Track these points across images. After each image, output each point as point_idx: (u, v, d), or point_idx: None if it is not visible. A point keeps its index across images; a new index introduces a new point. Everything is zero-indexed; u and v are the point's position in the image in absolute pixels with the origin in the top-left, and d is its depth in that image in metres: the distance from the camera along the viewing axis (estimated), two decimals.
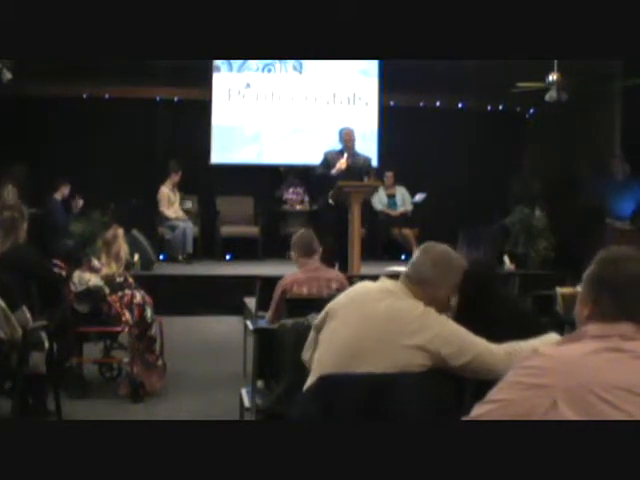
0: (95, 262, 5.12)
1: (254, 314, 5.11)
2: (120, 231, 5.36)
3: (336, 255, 7.43)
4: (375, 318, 2.41)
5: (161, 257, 9.36)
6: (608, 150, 9.29)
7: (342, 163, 7.39)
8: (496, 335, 2.47)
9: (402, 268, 2.74)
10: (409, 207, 9.98)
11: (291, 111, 10.11)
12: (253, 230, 9.87)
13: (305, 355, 2.66)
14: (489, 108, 10.67)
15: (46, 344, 4.12)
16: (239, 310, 6.18)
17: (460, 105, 10.54)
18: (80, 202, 9.12)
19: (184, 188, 9.70)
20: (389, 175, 9.94)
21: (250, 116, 10.03)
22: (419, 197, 10.02)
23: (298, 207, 10.07)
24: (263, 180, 10.30)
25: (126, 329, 4.91)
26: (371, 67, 10.18)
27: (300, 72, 10.15)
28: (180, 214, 9.51)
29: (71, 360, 4.89)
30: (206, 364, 5.80)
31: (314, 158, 8.48)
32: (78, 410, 4.46)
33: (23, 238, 4.67)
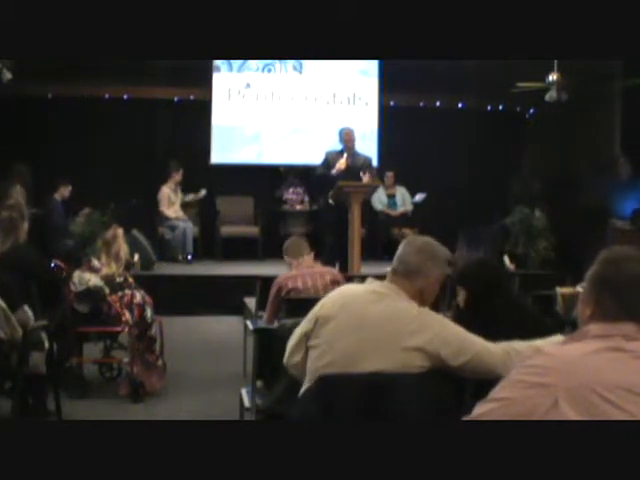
0: (95, 262, 5.12)
1: (254, 314, 5.11)
2: (120, 231, 5.36)
3: (336, 255, 7.44)
4: (372, 321, 2.39)
5: (161, 257, 9.35)
6: (608, 150, 9.29)
7: (341, 163, 7.40)
8: (500, 334, 2.46)
9: None
10: (409, 207, 9.98)
11: (291, 111, 10.11)
12: (253, 230, 9.87)
13: (291, 360, 2.59)
14: (489, 108, 10.67)
15: (46, 344, 4.12)
16: (239, 310, 6.18)
17: (460, 105, 10.54)
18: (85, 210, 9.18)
19: (184, 188, 9.70)
20: (389, 175, 9.94)
21: (250, 116, 10.03)
22: (419, 197, 10.02)
23: (298, 207, 10.07)
24: (263, 180, 10.29)
25: (126, 329, 4.92)
26: (371, 67, 10.18)
27: (300, 72, 10.15)
28: (180, 214, 9.51)
29: (71, 360, 4.89)
30: (206, 364, 5.80)
31: (314, 158, 8.49)
32: (78, 410, 4.46)
33: (24, 238, 4.67)
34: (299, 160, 9.99)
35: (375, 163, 9.64)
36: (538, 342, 2.36)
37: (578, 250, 7.65)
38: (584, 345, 1.63)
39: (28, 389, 4.03)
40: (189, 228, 9.35)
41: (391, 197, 9.97)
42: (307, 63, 10.10)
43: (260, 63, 10.00)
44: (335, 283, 4.50)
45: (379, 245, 9.70)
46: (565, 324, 3.33)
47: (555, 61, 8.26)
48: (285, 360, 2.62)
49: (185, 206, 9.73)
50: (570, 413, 1.52)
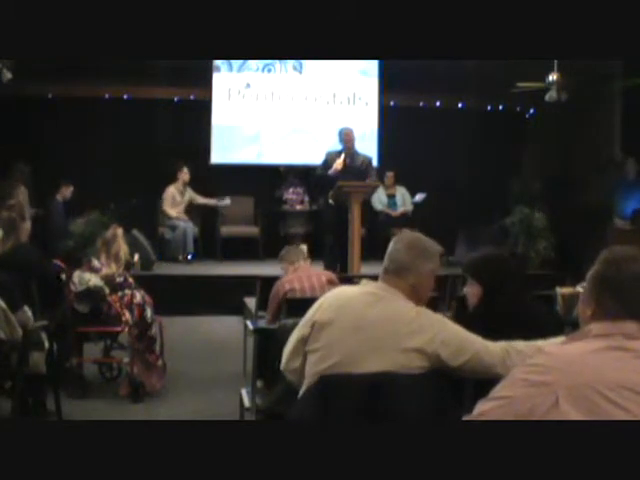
0: (95, 262, 5.12)
1: (254, 314, 5.11)
2: (119, 231, 5.36)
3: (336, 255, 7.44)
4: (371, 323, 2.38)
5: (161, 257, 9.36)
6: (608, 150, 9.29)
7: (338, 164, 7.39)
8: (514, 333, 2.44)
9: None
10: (409, 207, 9.97)
11: (291, 111, 10.11)
12: (253, 230, 9.87)
13: (288, 365, 2.56)
14: (489, 108, 10.66)
15: (46, 344, 4.12)
16: (239, 310, 6.18)
17: (460, 105, 10.54)
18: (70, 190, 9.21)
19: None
20: (389, 175, 9.94)
21: (250, 116, 10.02)
22: (419, 197, 10.02)
23: (298, 207, 10.06)
24: (263, 180, 10.29)
25: (126, 329, 4.92)
26: (371, 67, 10.18)
27: (300, 72, 10.15)
28: (182, 214, 9.52)
29: (71, 360, 4.89)
30: (206, 364, 5.80)
31: (314, 158, 8.49)
32: (78, 410, 4.46)
33: (25, 238, 4.67)
34: (299, 160, 9.99)
35: (375, 163, 9.63)
36: (539, 342, 2.36)
37: (578, 250, 7.66)
38: (585, 344, 1.63)
39: (28, 389, 4.02)
40: (190, 228, 9.35)
41: (391, 197, 9.97)
42: (307, 63, 10.10)
43: (260, 63, 10.00)
44: (331, 283, 4.52)
45: (379, 245, 9.68)
46: (565, 324, 3.31)
47: (555, 61, 8.26)
48: (283, 366, 2.60)
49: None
50: (571, 412, 1.52)
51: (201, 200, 9.70)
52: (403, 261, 2.49)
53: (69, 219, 8.72)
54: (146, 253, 8.40)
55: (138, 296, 5.02)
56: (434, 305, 3.28)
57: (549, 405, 1.54)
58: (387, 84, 10.04)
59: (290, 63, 10.08)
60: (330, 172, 7.41)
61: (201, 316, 7.61)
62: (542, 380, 1.57)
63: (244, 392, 3.63)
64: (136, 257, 7.80)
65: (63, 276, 4.92)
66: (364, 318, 2.40)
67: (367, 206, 8.43)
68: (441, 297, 4.53)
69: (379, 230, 9.68)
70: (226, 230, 9.73)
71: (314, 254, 9.10)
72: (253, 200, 10.16)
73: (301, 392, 2.45)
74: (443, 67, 8.97)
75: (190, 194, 9.65)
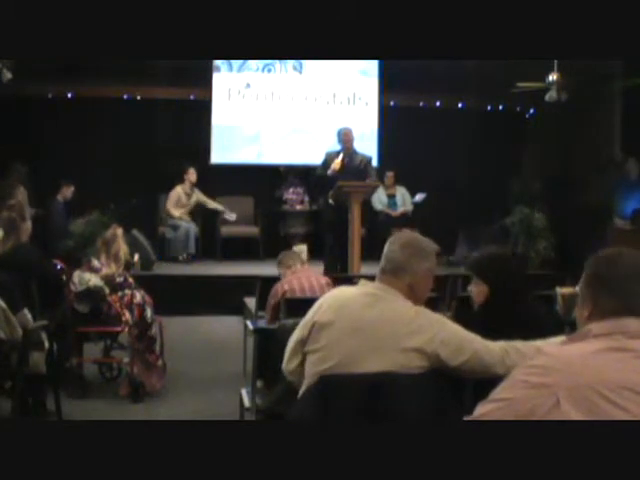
0: (95, 262, 5.12)
1: (254, 314, 5.12)
2: (119, 231, 5.36)
3: (336, 255, 7.43)
4: (370, 324, 2.38)
5: (161, 257, 9.36)
6: (608, 150, 9.29)
7: (336, 163, 7.39)
8: (519, 335, 2.44)
9: None
10: (409, 207, 9.97)
11: (291, 111, 10.11)
12: (253, 230, 9.87)
13: (288, 366, 2.58)
14: (489, 108, 10.66)
15: (46, 344, 4.12)
16: (239, 310, 6.19)
17: (460, 105, 10.54)
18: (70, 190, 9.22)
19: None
20: (389, 175, 9.94)
21: (250, 116, 10.02)
22: (419, 197, 10.02)
23: (298, 207, 10.06)
24: (263, 180, 10.29)
25: (126, 329, 4.92)
26: (371, 67, 10.18)
27: (300, 72, 10.15)
28: (185, 215, 9.52)
29: (71, 360, 4.89)
30: (206, 364, 5.80)
31: (314, 158, 8.49)
32: (78, 410, 4.46)
33: (25, 238, 4.67)
34: (299, 160, 9.99)
35: (375, 163, 9.63)
36: (539, 342, 2.36)
37: (578, 250, 7.64)
38: (585, 345, 1.63)
39: (28, 389, 4.03)
40: (192, 228, 9.36)
41: (391, 197, 9.97)
42: (307, 63, 10.10)
43: (260, 63, 10.00)
44: (329, 285, 4.53)
45: (379, 245, 9.64)
46: (565, 324, 3.31)
47: (555, 61, 8.26)
48: (283, 367, 2.61)
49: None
50: (572, 413, 1.52)
51: (212, 205, 9.69)
52: (399, 261, 2.49)
53: (70, 219, 8.72)
54: (146, 253, 8.40)
55: (138, 296, 5.02)
56: (434, 305, 3.28)
57: (549, 406, 1.54)
58: (387, 84, 10.04)
59: (290, 63, 10.08)
60: (329, 172, 7.41)
61: (201, 316, 7.61)
62: (542, 382, 1.57)
63: (244, 392, 3.63)
64: (136, 257, 7.80)
65: (63, 277, 4.92)
66: (363, 319, 2.40)
67: (367, 206, 8.42)
68: (441, 297, 4.52)
69: (379, 230, 9.67)
70: (226, 230, 9.73)
71: (314, 254, 9.14)
72: (253, 200, 10.16)
73: (301, 392, 2.46)
74: (443, 67, 8.97)
75: (198, 196, 9.64)
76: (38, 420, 4.05)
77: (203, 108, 9.84)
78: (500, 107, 10.66)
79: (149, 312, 5.01)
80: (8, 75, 7.87)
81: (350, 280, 4.85)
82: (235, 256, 9.65)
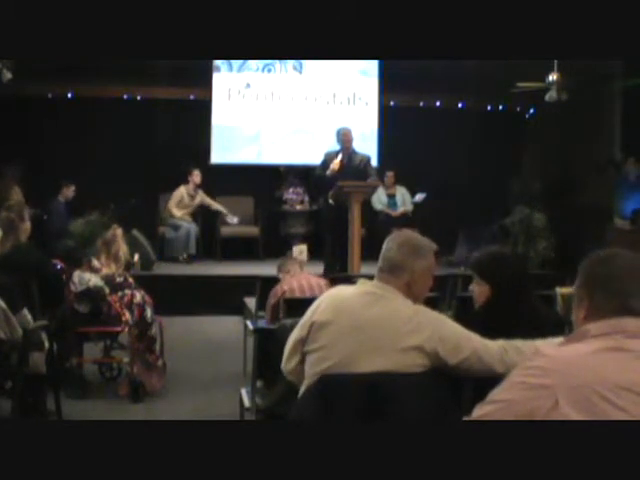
0: (95, 262, 5.12)
1: (254, 314, 5.12)
2: (119, 231, 5.36)
3: (336, 255, 7.43)
4: (370, 323, 2.38)
5: (161, 257, 9.37)
6: (608, 150, 9.30)
7: (335, 164, 7.38)
8: (521, 335, 2.43)
9: None
10: (409, 207, 9.97)
11: (291, 111, 10.11)
12: (253, 230, 9.87)
13: (286, 366, 2.59)
14: (489, 108, 10.66)
15: (46, 344, 4.12)
16: (239, 310, 6.19)
17: (460, 105, 10.54)
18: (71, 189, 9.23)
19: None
20: (389, 175, 9.94)
21: (250, 116, 10.02)
22: (419, 197, 10.02)
23: (298, 207, 10.06)
24: (263, 180, 10.29)
25: (126, 329, 4.92)
26: (371, 67, 10.18)
27: (300, 72, 10.15)
28: (186, 216, 9.52)
29: (71, 360, 4.89)
30: (206, 364, 5.80)
31: (314, 158, 8.48)
32: (78, 410, 4.46)
33: (25, 238, 4.66)
34: (299, 160, 9.99)
35: (375, 163, 9.63)
36: (539, 342, 2.36)
37: (578, 250, 7.65)
38: (584, 345, 1.63)
39: (28, 389, 4.02)
40: (192, 229, 9.36)
41: (391, 197, 9.97)
42: (307, 63, 10.10)
43: (260, 63, 10.00)
44: (328, 287, 4.53)
45: (379, 245, 9.63)
46: (565, 324, 3.31)
47: (555, 61, 8.26)
48: (282, 366, 2.62)
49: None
50: (571, 414, 1.52)
51: (215, 206, 9.70)
52: (396, 260, 2.50)
53: (71, 219, 8.72)
54: (146, 253, 8.41)
55: (138, 296, 5.02)
56: (434, 305, 3.28)
57: (549, 407, 1.54)
58: (387, 84, 10.03)
59: (290, 63, 10.08)
60: (328, 173, 7.41)
61: (201, 316, 7.61)
62: (541, 383, 1.57)
63: (244, 392, 3.63)
64: (136, 257, 7.81)
65: (63, 277, 4.92)
66: (362, 318, 2.40)
67: (367, 206, 8.42)
68: (441, 297, 4.52)
69: (379, 230, 9.67)
70: (226, 230, 9.73)
71: (314, 254, 9.15)
72: (253, 200, 10.16)
73: (301, 392, 2.46)
74: (443, 67, 8.97)
75: (202, 198, 9.65)
76: (38, 420, 4.05)
77: (203, 108, 9.84)
78: (500, 107, 10.66)
79: (149, 312, 5.01)
80: (8, 75, 7.88)
81: (350, 280, 4.85)
82: (235, 256, 9.65)
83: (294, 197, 10.08)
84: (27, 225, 4.69)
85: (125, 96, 9.91)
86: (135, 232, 8.31)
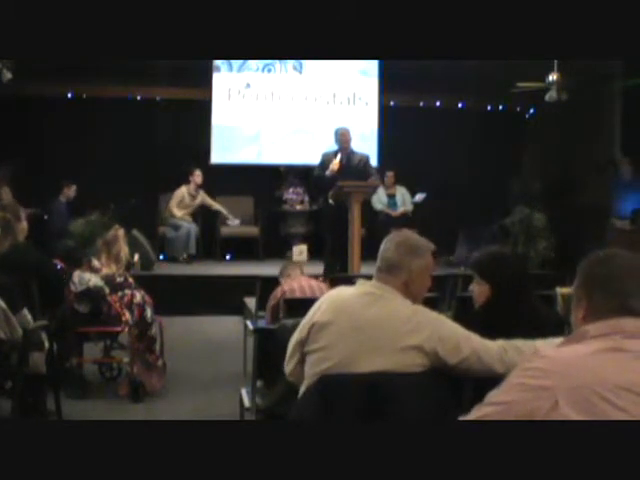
0: (95, 262, 5.12)
1: (254, 314, 5.11)
2: (121, 232, 5.36)
3: (336, 255, 7.43)
4: (369, 323, 2.39)
5: (161, 257, 9.38)
6: (608, 150, 9.30)
7: (335, 164, 7.38)
8: (514, 333, 2.43)
9: None
10: (409, 207, 9.97)
11: (291, 111, 10.11)
12: (253, 230, 9.87)
13: (286, 367, 2.61)
14: (489, 108, 10.67)
15: (46, 344, 4.12)
16: (239, 310, 6.18)
17: (460, 105, 10.54)
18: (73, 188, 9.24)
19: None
20: (389, 175, 9.94)
21: (250, 116, 10.03)
22: (419, 197, 10.02)
23: (298, 207, 10.07)
24: (263, 180, 10.29)
25: (126, 329, 4.92)
26: (371, 67, 10.18)
27: (300, 72, 10.15)
28: (187, 217, 9.53)
29: (71, 360, 4.89)
30: (206, 364, 5.80)
31: (314, 158, 8.47)
32: (78, 410, 4.46)
33: (22, 238, 4.66)
34: (299, 160, 9.99)
35: (375, 163, 9.63)
36: (539, 342, 2.36)
37: (578, 250, 7.65)
38: (583, 346, 1.63)
39: (28, 389, 4.02)
40: (193, 229, 9.36)
41: (391, 197, 9.97)
42: (307, 63, 10.10)
43: (260, 63, 10.00)
44: (328, 289, 4.53)
45: (379, 245, 9.65)
46: (565, 324, 3.31)
47: (555, 61, 8.26)
48: (284, 367, 2.63)
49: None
50: (571, 414, 1.52)
51: (216, 207, 9.70)
52: (393, 259, 2.51)
53: (72, 219, 8.72)
54: (146, 253, 8.41)
55: (138, 296, 5.02)
56: (434, 305, 3.28)
57: (548, 408, 1.54)
58: (387, 84, 10.04)
59: (290, 63, 10.08)
60: (327, 173, 7.40)
61: (201, 316, 7.61)
62: (540, 384, 1.57)
63: (244, 392, 3.63)
64: (136, 257, 7.81)
65: (64, 276, 4.92)
66: (362, 318, 2.41)
67: (367, 206, 8.42)
68: (441, 297, 4.52)
69: (379, 230, 9.66)
70: (226, 230, 9.73)
71: (314, 254, 9.15)
72: (253, 200, 10.16)
73: (301, 392, 2.46)
74: (443, 67, 8.97)
75: (203, 198, 9.65)
76: (38, 420, 4.04)
77: (203, 108, 9.84)
78: (500, 107, 10.67)
79: (149, 312, 5.01)
80: (8, 75, 7.88)
81: (350, 280, 4.85)
82: (235, 256, 9.66)
83: (294, 197, 10.08)
84: (24, 224, 4.68)
85: (125, 96, 9.91)
86: (135, 232, 8.31)
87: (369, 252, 7.69)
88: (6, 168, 8.72)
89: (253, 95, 10.04)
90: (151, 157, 9.80)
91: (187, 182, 9.54)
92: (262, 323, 4.63)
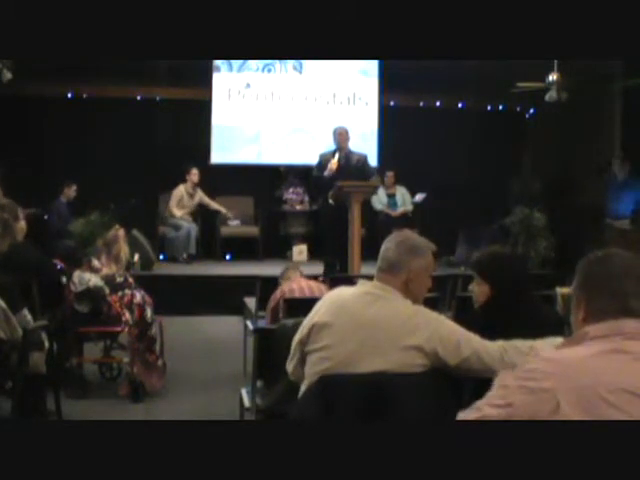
0: (95, 262, 5.11)
1: (254, 314, 5.11)
2: (121, 232, 5.36)
3: (336, 255, 7.43)
4: (370, 323, 2.39)
5: (161, 257, 9.38)
6: (608, 150, 9.30)
7: (333, 164, 7.37)
8: (514, 333, 2.43)
9: None
10: (409, 207, 9.98)
11: (291, 111, 10.11)
12: (253, 230, 9.87)
13: (288, 366, 2.62)
14: (489, 108, 10.67)
15: (46, 344, 4.11)
16: (239, 310, 6.18)
17: (460, 105, 10.54)
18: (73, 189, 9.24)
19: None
20: (389, 175, 9.94)
21: (250, 116, 10.03)
22: (419, 197, 10.02)
23: (298, 207, 10.07)
24: (263, 180, 10.30)
25: (126, 329, 4.91)
26: (371, 67, 10.18)
27: (300, 72, 10.15)
28: (187, 216, 9.53)
29: (71, 360, 4.89)
30: (206, 364, 5.80)
31: (314, 158, 8.47)
32: (78, 410, 4.46)
33: (21, 237, 4.65)
34: (299, 160, 9.99)
35: (375, 163, 9.64)
36: (539, 342, 2.36)
37: (578, 250, 7.64)
38: (583, 348, 1.62)
39: (28, 389, 4.02)
40: (193, 229, 9.36)
41: (391, 197, 9.97)
42: (307, 63, 10.10)
43: (260, 63, 10.00)
44: (327, 289, 4.53)
45: (379, 245, 9.63)
46: (565, 324, 3.31)
47: (555, 61, 8.26)
48: (287, 366, 2.64)
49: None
50: (572, 417, 1.51)
51: (214, 206, 9.70)
52: (393, 259, 2.51)
53: (72, 219, 8.72)
54: (146, 253, 8.41)
55: (138, 296, 5.02)
56: (434, 305, 3.28)
57: (550, 411, 1.54)
58: (387, 84, 10.04)
59: (290, 63, 10.08)
60: (325, 173, 7.40)
61: (201, 316, 7.61)
62: (541, 386, 1.56)
63: (244, 392, 3.63)
64: (136, 257, 7.81)
65: (63, 279, 4.91)
66: (363, 318, 2.41)
67: (367, 206, 8.42)
68: (441, 297, 4.52)
69: (379, 230, 9.67)
70: (226, 230, 9.74)
71: (314, 254, 9.15)
72: (253, 200, 10.16)
73: (301, 392, 2.46)
74: (443, 67, 8.96)
75: (201, 197, 9.65)
76: (38, 420, 4.04)
77: (203, 108, 9.84)
78: (500, 107, 10.67)
79: (149, 312, 5.00)
80: (8, 75, 7.87)
81: (350, 280, 4.85)
82: (235, 256, 9.66)
83: (294, 197, 10.08)
84: (22, 224, 4.68)
85: (125, 96, 9.91)
86: (135, 232, 8.31)
87: (369, 252, 7.70)
88: None
89: (253, 95, 10.04)
90: (151, 157, 9.80)
91: (184, 181, 9.54)
92: (262, 323, 4.63)
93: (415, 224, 9.69)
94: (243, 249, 9.76)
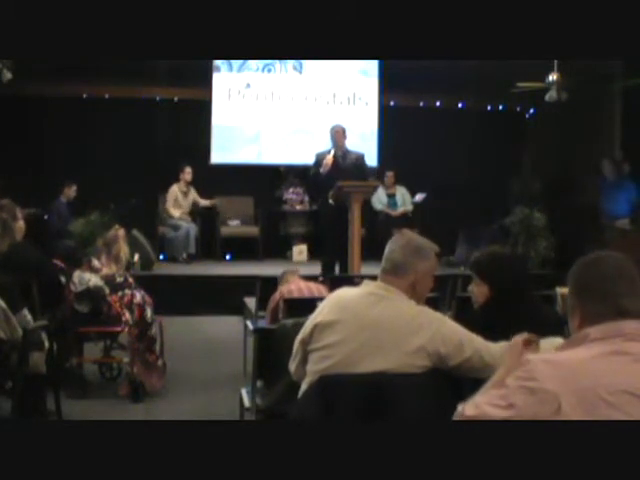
0: (95, 262, 5.11)
1: (254, 314, 5.11)
2: (121, 232, 5.36)
3: (336, 255, 7.43)
4: (373, 324, 2.39)
5: (161, 257, 9.38)
6: (608, 150, 9.30)
7: (328, 159, 7.37)
8: (514, 333, 2.43)
9: None
10: (409, 207, 9.98)
11: (291, 111, 10.11)
12: (253, 230, 9.87)
13: (290, 366, 2.63)
14: (489, 108, 10.67)
15: (46, 344, 4.11)
16: (239, 310, 6.18)
17: (460, 105, 10.54)
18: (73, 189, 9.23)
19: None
20: (389, 175, 9.94)
21: (250, 116, 10.02)
22: (419, 197, 10.02)
23: (298, 207, 10.07)
24: (263, 180, 10.30)
25: (126, 329, 4.91)
26: (371, 67, 10.18)
27: (300, 72, 10.15)
28: (185, 215, 9.53)
29: (71, 360, 4.89)
30: (206, 364, 5.80)
31: (314, 158, 8.49)
32: (78, 410, 4.46)
33: (20, 237, 4.65)
34: (299, 160, 9.97)
35: (375, 163, 9.64)
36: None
37: (578, 250, 7.64)
38: (584, 350, 1.62)
39: (28, 389, 4.02)
40: (192, 229, 9.36)
41: (391, 197, 9.97)
42: (307, 63, 10.09)
43: (260, 63, 10.00)
44: (327, 291, 4.53)
45: (379, 245, 9.62)
46: (565, 324, 3.30)
47: (555, 61, 8.25)
48: (289, 365, 2.65)
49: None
50: (573, 418, 1.51)
51: (204, 203, 9.71)
52: (399, 261, 2.51)
53: (72, 219, 8.72)
54: (146, 253, 8.41)
55: (138, 296, 5.02)
56: (434, 305, 3.27)
57: (551, 412, 1.53)
58: (387, 84, 10.03)
59: (290, 63, 10.08)
60: (321, 170, 7.39)
61: (201, 316, 7.61)
62: (542, 388, 1.56)
63: (244, 392, 3.63)
64: (136, 257, 7.81)
65: (63, 279, 4.91)
66: (366, 318, 2.41)
67: (367, 206, 8.42)
68: (441, 297, 4.52)
69: (379, 230, 9.67)
70: (226, 230, 9.74)
71: (314, 254, 9.15)
72: (253, 200, 10.16)
73: (301, 391, 2.46)
74: (443, 67, 8.95)
75: (194, 195, 9.66)
76: (38, 420, 4.04)
77: (203, 108, 9.84)
78: (500, 107, 10.67)
79: (149, 312, 5.00)
80: (8, 75, 7.87)
81: (350, 280, 4.85)
82: (235, 256, 9.66)
83: (294, 197, 10.08)
84: (21, 224, 4.68)
85: (125, 96, 9.91)
86: (135, 232, 8.31)
87: (369, 252, 7.72)
88: None
89: (253, 95, 10.04)
90: (151, 157, 9.80)
91: (177, 180, 9.54)
92: (262, 323, 4.63)
93: (415, 224, 9.69)
94: (243, 249, 9.76)
